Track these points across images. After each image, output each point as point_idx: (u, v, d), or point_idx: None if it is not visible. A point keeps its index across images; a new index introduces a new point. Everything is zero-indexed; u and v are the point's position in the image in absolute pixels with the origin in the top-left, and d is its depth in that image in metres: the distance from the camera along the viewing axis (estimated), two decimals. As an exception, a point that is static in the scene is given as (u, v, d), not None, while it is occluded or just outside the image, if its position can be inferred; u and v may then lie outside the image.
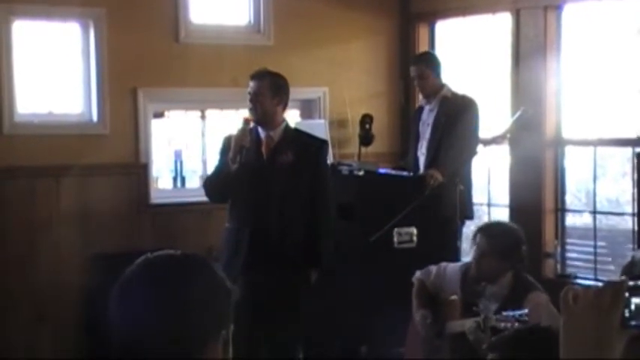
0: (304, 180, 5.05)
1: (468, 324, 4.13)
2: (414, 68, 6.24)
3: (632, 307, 1.51)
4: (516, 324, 3.78)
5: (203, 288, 1.76)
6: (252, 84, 5.07)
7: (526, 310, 3.89)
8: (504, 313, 3.95)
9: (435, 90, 6.17)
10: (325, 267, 5.13)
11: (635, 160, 5.89)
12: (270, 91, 5.03)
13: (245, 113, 5.31)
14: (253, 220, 5.03)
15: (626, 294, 1.52)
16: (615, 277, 5.29)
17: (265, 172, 5.06)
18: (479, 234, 4.40)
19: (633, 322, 1.50)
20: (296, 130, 5.26)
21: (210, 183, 5.20)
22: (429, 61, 6.25)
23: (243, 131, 4.95)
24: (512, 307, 4.00)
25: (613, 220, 6.63)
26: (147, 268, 1.78)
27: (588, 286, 1.58)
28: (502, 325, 3.87)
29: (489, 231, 4.41)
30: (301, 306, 5.11)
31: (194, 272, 1.77)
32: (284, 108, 5.12)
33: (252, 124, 5.04)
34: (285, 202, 5.03)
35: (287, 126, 5.15)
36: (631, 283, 1.53)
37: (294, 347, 5.21)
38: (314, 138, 5.34)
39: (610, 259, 6.53)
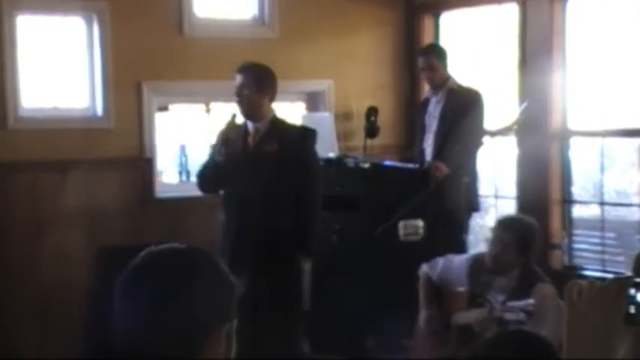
0: (289, 169, 5.09)
1: (475, 315, 4.13)
2: (422, 59, 6.21)
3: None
4: (522, 314, 3.78)
5: (206, 281, 1.76)
6: (237, 78, 5.13)
7: (532, 300, 3.88)
8: (509, 304, 3.94)
9: (442, 82, 6.16)
10: (310, 253, 5.16)
11: (643, 151, 5.86)
12: (254, 84, 5.08)
13: (235, 107, 5.39)
14: (240, 210, 5.12)
15: (631, 290, 1.51)
16: (625, 268, 5.27)
17: (250, 162, 5.12)
18: (500, 227, 4.40)
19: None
20: (283, 121, 5.31)
21: (201, 174, 5.31)
22: (439, 53, 6.24)
23: (229, 124, 5.08)
24: (519, 298, 3.99)
25: (621, 212, 6.59)
26: (151, 261, 1.79)
27: (592, 281, 1.57)
28: (508, 315, 3.87)
29: (512, 225, 4.41)
30: (294, 292, 5.14)
31: (198, 266, 1.78)
32: (271, 99, 5.17)
33: (242, 120, 5.13)
34: (271, 191, 5.07)
35: (274, 117, 5.21)
36: (638, 279, 1.52)
37: (295, 333, 5.24)
38: (300, 127, 5.44)
39: (618, 250, 6.50)
